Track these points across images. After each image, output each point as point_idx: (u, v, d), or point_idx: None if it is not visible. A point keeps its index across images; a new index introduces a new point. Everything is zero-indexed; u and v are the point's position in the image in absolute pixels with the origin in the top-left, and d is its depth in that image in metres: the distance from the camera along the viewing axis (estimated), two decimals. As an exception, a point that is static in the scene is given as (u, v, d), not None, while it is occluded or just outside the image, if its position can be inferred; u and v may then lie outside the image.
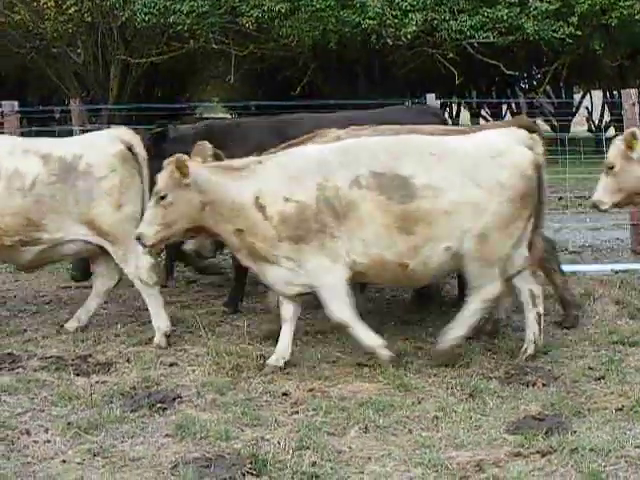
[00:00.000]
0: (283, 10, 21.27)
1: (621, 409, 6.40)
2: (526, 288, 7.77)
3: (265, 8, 21.33)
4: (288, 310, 7.60)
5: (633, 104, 12.48)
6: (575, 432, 5.98)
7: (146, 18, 22.30)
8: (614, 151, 8.70)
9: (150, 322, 8.73)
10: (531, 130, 7.97)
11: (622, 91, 13.55)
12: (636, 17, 20.79)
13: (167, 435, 6.13)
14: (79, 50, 27.84)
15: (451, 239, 7.29)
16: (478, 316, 7.57)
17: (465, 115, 40.39)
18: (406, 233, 7.24)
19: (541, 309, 7.81)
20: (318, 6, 21.27)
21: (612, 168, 8.60)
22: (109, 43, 27.18)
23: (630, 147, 8.54)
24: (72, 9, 25.27)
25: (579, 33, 21.35)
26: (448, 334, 7.48)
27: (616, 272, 10.67)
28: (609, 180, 8.66)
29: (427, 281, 7.97)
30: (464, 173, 7.32)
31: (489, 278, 7.45)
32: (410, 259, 7.32)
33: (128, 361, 7.74)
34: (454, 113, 41.34)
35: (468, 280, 7.57)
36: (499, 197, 7.32)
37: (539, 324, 7.75)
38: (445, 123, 9.78)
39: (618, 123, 11.19)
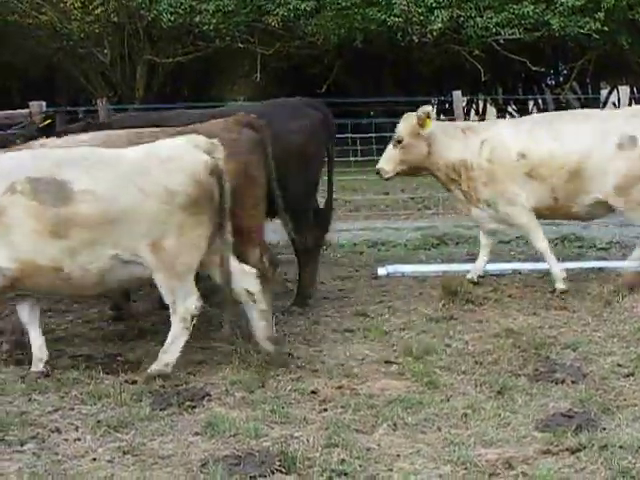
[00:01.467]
0: (309, 8, 21.29)
1: (650, 406, 6.38)
2: (242, 288, 7.59)
3: (291, 6, 21.36)
4: None
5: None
6: (604, 429, 5.96)
7: (172, 18, 22.38)
8: (406, 126, 9.99)
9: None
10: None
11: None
12: (663, 12, 20.72)
13: (196, 433, 6.14)
14: (106, 50, 27.94)
15: (118, 247, 7.11)
16: (184, 338, 7.39)
17: (491, 111, 40.23)
18: (60, 237, 7.04)
19: (263, 305, 7.64)
20: (344, 4, 21.28)
21: (400, 142, 9.99)
22: (135, 43, 27.27)
23: (422, 125, 9.83)
24: (98, 9, 25.39)
25: (606, 29, 21.27)
26: (159, 359, 7.36)
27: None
28: (395, 152, 10.07)
29: (95, 289, 7.59)
30: (130, 180, 7.12)
31: (181, 293, 7.32)
32: (65, 263, 7.13)
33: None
34: (480, 109, 41.20)
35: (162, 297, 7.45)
36: (168, 204, 7.13)
37: (266, 320, 7.64)
38: (327, 117, 9.61)
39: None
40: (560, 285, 9.72)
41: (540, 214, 10.08)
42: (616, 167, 9.60)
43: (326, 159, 9.68)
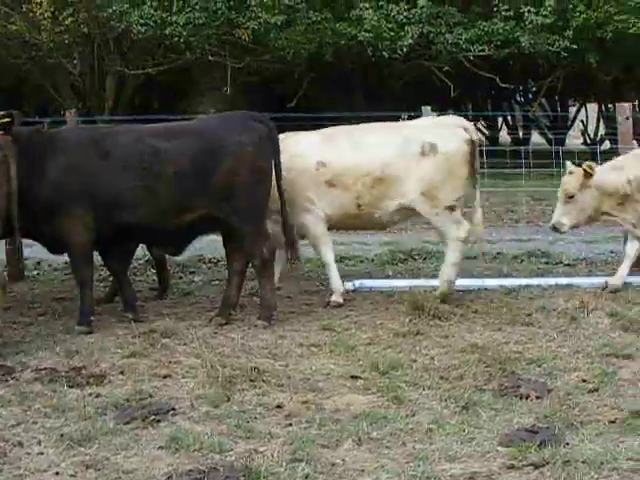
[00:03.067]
0: (279, 22, 21.32)
1: (614, 421, 6.40)
2: None
3: (261, 20, 21.38)
4: None
5: (627, 118, 12.53)
6: (568, 444, 5.98)
7: (142, 30, 22.34)
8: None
9: (144, 333, 8.76)
10: None
11: (616, 105, 13.62)
12: (631, 31, 20.85)
13: (160, 447, 6.10)
14: (75, 61, 27.83)
15: None
16: None
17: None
18: None
19: None
20: (314, 19, 21.35)
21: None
22: (105, 54, 27.19)
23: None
24: (68, 20, 25.28)
25: (574, 47, 21.43)
26: None
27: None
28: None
29: None
30: None
31: None
32: None
33: (122, 373, 7.72)
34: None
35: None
36: None
37: None
38: (271, 131, 9.59)
39: (613, 136, 11.34)
40: (336, 298, 10.06)
41: (343, 223, 10.40)
42: (419, 173, 9.90)
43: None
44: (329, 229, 10.45)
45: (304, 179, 9.91)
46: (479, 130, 37.72)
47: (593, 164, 10.43)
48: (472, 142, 10.19)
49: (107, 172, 9.16)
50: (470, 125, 10.71)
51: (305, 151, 9.99)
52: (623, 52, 23.10)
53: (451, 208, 10.00)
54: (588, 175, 10.27)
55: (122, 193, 9.14)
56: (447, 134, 10.19)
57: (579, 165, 10.51)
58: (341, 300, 10.08)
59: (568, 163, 10.69)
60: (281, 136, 9.97)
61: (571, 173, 10.44)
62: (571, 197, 10.34)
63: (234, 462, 5.78)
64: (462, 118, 11.24)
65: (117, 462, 5.88)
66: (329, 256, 10.22)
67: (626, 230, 10.65)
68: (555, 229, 10.64)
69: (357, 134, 10.37)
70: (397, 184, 9.93)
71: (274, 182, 9.57)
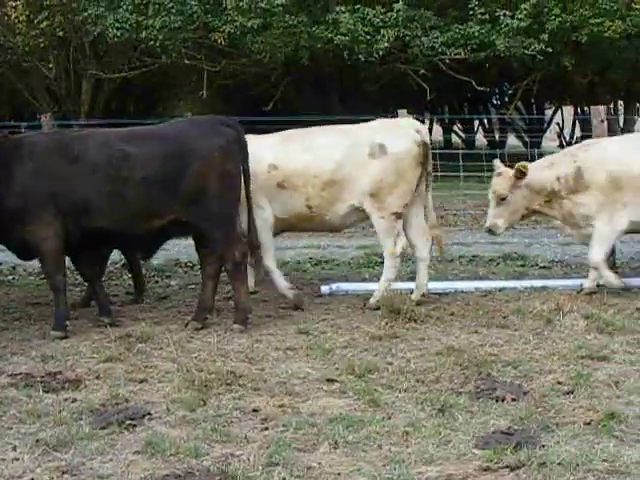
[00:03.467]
0: (255, 26, 21.28)
1: (589, 423, 6.42)
2: None
3: (237, 24, 21.34)
4: None
5: (602, 120, 12.58)
6: (544, 446, 6.00)
7: (118, 33, 22.27)
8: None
9: (120, 338, 8.73)
10: None
11: (591, 107, 13.68)
12: (606, 34, 20.95)
13: (136, 452, 6.08)
14: (51, 65, 27.73)
15: None
16: None
17: (438, 130, 40.51)
18: None
19: None
20: (290, 22, 21.33)
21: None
22: (81, 58, 27.11)
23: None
24: (44, 23, 25.19)
25: (550, 50, 21.50)
26: None
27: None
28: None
29: None
30: None
31: None
32: None
33: (98, 378, 7.69)
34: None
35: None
36: None
37: None
38: (240, 135, 9.57)
39: (589, 139, 11.39)
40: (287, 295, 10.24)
41: (295, 226, 10.55)
42: (369, 175, 10.00)
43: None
44: (283, 232, 10.54)
45: (256, 182, 9.87)
46: (455, 133, 37.92)
47: (527, 164, 10.40)
48: (424, 144, 10.28)
49: (76, 177, 9.13)
50: (423, 127, 10.78)
51: (258, 154, 9.97)
52: (598, 55, 23.22)
53: (397, 215, 10.08)
54: (519, 175, 10.26)
55: (91, 198, 9.12)
56: (397, 135, 10.26)
57: (509, 166, 10.52)
58: (291, 296, 10.20)
59: (496, 162, 10.68)
60: None
61: (500, 174, 10.42)
62: (503, 199, 10.35)
63: (210, 466, 5.77)
64: (415, 120, 11.32)
65: (93, 467, 5.85)
66: (271, 262, 10.28)
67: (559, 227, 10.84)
68: (490, 232, 10.65)
69: (309, 137, 10.45)
70: (347, 186, 9.98)
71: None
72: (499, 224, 10.46)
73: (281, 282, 10.32)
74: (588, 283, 10.46)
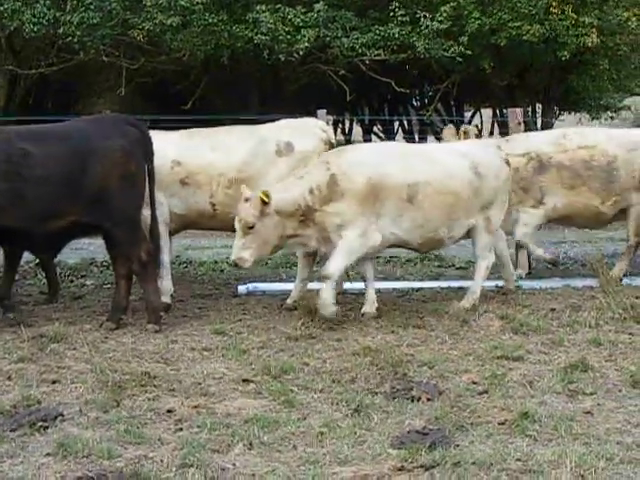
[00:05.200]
0: (175, 24, 21.09)
1: (504, 423, 6.49)
2: None
3: (157, 21, 21.14)
4: None
5: (519, 123, 12.75)
6: (458, 446, 6.05)
7: (35, 29, 21.90)
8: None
9: (33, 338, 8.61)
10: None
11: (509, 110, 13.83)
12: (524, 37, 21.15)
13: (48, 454, 6.00)
14: (-36, 59, 27.21)
15: None
16: None
17: (358, 131, 40.64)
18: None
19: None
20: (210, 20, 21.18)
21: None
22: (-4, 53, 26.64)
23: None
24: (-42, 17, 24.69)
25: (469, 52, 21.64)
26: None
27: (501, 287, 10.82)
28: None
29: None
30: None
31: None
32: None
33: (9, 379, 7.58)
34: (347, 129, 41.56)
35: None
36: None
37: None
38: (144, 135, 9.55)
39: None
40: (164, 300, 9.96)
41: (198, 224, 10.56)
42: (276, 173, 10.08)
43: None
44: (184, 229, 10.52)
45: (158, 177, 9.73)
46: (375, 134, 38.10)
47: (268, 191, 9.17)
48: (330, 143, 10.39)
49: None
50: (328, 128, 10.88)
51: (161, 150, 9.90)
52: (517, 58, 23.42)
53: None
54: (264, 202, 9.12)
55: None
56: (304, 134, 10.32)
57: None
58: (169, 301, 10.08)
59: (242, 187, 9.45)
60: None
61: (247, 200, 9.20)
62: (251, 228, 9.14)
63: (123, 468, 5.72)
64: (320, 121, 11.38)
65: (3, 470, 5.76)
66: (166, 257, 10.18)
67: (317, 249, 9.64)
68: (236, 265, 9.43)
69: (215, 134, 10.45)
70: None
71: None
72: (246, 257, 9.20)
73: (167, 284, 10.18)
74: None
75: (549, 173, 11.03)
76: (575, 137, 11.31)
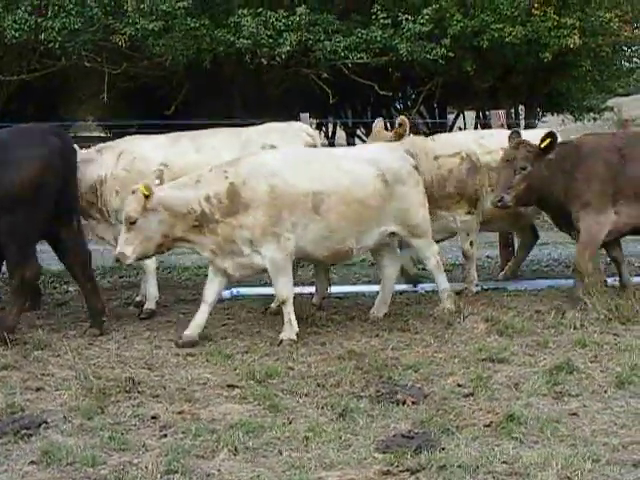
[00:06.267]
0: (156, 29, 21.05)
1: (489, 425, 6.49)
2: None
3: (138, 26, 21.11)
4: None
5: (502, 125, 12.76)
6: (444, 449, 6.04)
7: (16, 34, 21.85)
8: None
9: (16, 345, 8.57)
10: None
11: (492, 112, 13.85)
12: (507, 40, 21.19)
13: (32, 462, 5.98)
14: (-55, 66, 27.10)
15: None
16: None
17: (341, 135, 40.62)
18: None
19: None
20: (192, 25, 21.15)
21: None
22: (-23, 59, 26.54)
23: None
24: (-62, 23, 24.58)
25: (452, 55, 21.67)
26: None
27: (486, 290, 10.83)
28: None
29: None
30: None
31: None
32: None
33: (-8, 386, 7.54)
34: (330, 133, 41.57)
35: None
36: None
37: None
38: (66, 145, 9.41)
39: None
40: (148, 306, 10.12)
41: None
42: None
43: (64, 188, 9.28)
44: None
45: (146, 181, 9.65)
46: (359, 137, 38.09)
47: (150, 184, 8.86)
48: (314, 147, 10.39)
49: None
50: (314, 132, 10.98)
51: (147, 153, 9.85)
52: (499, 60, 23.46)
53: None
54: (146, 196, 8.75)
55: None
56: (288, 136, 10.34)
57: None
58: (153, 307, 10.13)
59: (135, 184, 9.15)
60: (126, 138, 9.97)
61: (134, 192, 8.84)
62: (133, 223, 8.77)
63: (107, 475, 5.72)
64: (306, 125, 11.37)
65: (-14, 479, 5.73)
66: (150, 264, 10.16)
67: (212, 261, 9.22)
68: (118, 261, 9.21)
69: (199, 137, 10.45)
70: None
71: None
72: (127, 253, 8.82)
73: (153, 290, 10.20)
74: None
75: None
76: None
